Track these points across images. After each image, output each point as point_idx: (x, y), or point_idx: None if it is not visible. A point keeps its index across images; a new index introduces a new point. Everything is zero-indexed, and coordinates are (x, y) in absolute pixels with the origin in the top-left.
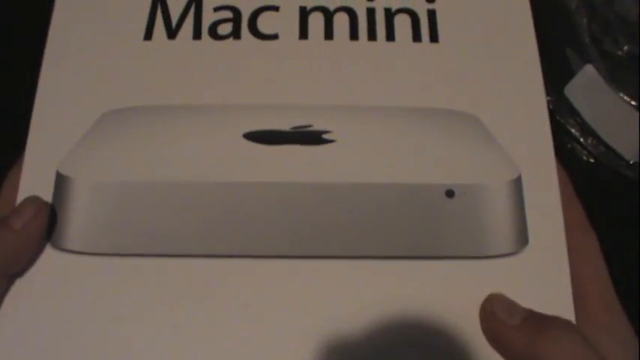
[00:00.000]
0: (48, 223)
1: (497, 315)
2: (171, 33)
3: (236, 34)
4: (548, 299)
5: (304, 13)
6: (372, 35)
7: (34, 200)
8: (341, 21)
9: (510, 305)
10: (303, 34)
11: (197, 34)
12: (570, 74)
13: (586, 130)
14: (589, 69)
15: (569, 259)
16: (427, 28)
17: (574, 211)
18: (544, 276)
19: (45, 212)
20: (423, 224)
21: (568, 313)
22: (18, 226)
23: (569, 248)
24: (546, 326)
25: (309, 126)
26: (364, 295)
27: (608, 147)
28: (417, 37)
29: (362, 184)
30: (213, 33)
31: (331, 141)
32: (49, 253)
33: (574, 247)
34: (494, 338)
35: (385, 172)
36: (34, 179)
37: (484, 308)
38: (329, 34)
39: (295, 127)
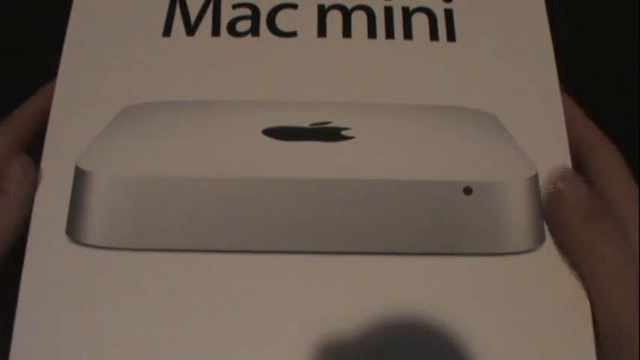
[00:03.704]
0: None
1: (558, 187)
2: (190, 29)
3: (255, 31)
4: (565, 296)
5: (322, 11)
6: (389, 34)
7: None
8: (359, 19)
9: (574, 182)
10: (322, 31)
11: (216, 31)
12: None
13: None
14: None
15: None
16: (444, 27)
17: (589, 129)
18: (560, 273)
19: (32, 169)
20: (441, 221)
21: (584, 309)
22: (5, 188)
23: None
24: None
25: (328, 122)
26: (381, 291)
27: None
28: (434, 35)
29: (380, 180)
30: (232, 30)
31: (350, 137)
32: (67, 246)
33: (599, 162)
34: (549, 209)
35: (403, 169)
36: (53, 174)
37: (551, 177)
38: (347, 32)
39: (314, 124)
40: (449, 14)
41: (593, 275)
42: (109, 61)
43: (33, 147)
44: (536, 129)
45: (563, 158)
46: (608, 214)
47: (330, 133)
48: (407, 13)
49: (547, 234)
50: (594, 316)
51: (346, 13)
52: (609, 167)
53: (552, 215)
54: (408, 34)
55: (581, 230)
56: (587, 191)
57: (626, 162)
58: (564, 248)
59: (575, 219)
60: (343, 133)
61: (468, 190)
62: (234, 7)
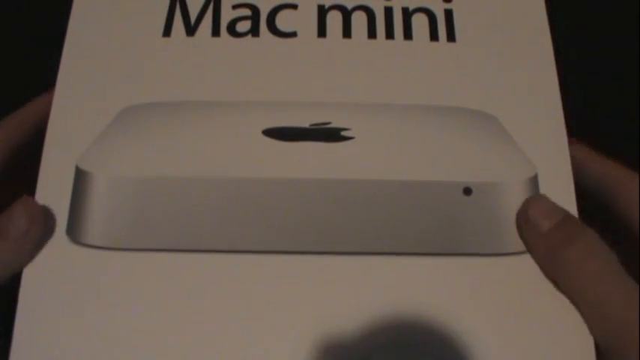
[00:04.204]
0: (44, 230)
1: (530, 217)
2: (190, 30)
3: (255, 31)
4: (565, 298)
5: (322, 12)
6: (389, 34)
7: (27, 209)
8: (359, 19)
9: (545, 210)
10: (322, 32)
11: (216, 32)
12: None
13: None
14: None
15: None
16: (444, 27)
17: (609, 165)
18: None
19: (40, 223)
20: (441, 221)
21: None
22: (11, 236)
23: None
24: (570, 239)
25: (328, 123)
26: (380, 291)
27: None
28: (434, 36)
29: (380, 180)
30: (232, 30)
31: (350, 138)
32: (67, 247)
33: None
34: (524, 240)
35: (403, 170)
36: (53, 174)
37: (521, 209)
38: (347, 33)
39: (314, 124)
40: (449, 14)
41: (582, 299)
42: (109, 62)
43: (27, 153)
44: (536, 129)
45: (562, 159)
46: (580, 234)
47: (330, 134)
48: (407, 14)
49: None
50: (590, 330)
51: (346, 14)
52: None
53: (522, 239)
54: (408, 35)
55: (554, 256)
56: (554, 216)
57: (627, 163)
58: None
59: (542, 247)
60: (343, 133)
61: (467, 191)
62: (234, 7)
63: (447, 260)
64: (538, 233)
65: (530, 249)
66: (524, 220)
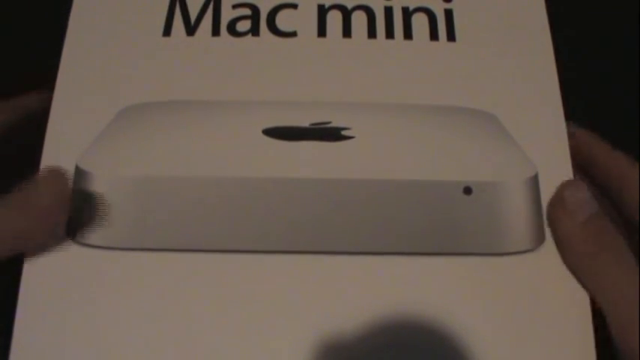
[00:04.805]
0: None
1: (566, 202)
2: (190, 29)
3: (255, 31)
4: (565, 298)
5: (322, 11)
6: (389, 33)
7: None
8: (359, 19)
9: (582, 199)
10: (322, 31)
11: (216, 31)
12: None
13: None
14: None
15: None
16: (444, 27)
17: (616, 159)
18: (560, 274)
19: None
20: (441, 221)
21: (584, 310)
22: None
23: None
24: (600, 241)
25: (329, 122)
26: (380, 291)
27: None
28: (434, 35)
29: (381, 180)
30: (232, 30)
31: (350, 137)
32: (67, 246)
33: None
34: (553, 225)
35: (403, 169)
36: None
37: (558, 191)
38: (347, 32)
39: (314, 124)
40: (449, 14)
41: (602, 296)
42: (109, 61)
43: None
44: (537, 129)
45: (563, 158)
46: (609, 230)
47: (330, 133)
48: (407, 13)
49: (547, 234)
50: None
51: (346, 13)
52: None
53: (552, 223)
54: (408, 34)
55: (582, 244)
56: (591, 201)
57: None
58: (566, 257)
59: (575, 230)
60: (343, 133)
61: (467, 190)
62: (234, 6)
63: (447, 260)
64: (574, 222)
65: (561, 235)
66: (560, 204)
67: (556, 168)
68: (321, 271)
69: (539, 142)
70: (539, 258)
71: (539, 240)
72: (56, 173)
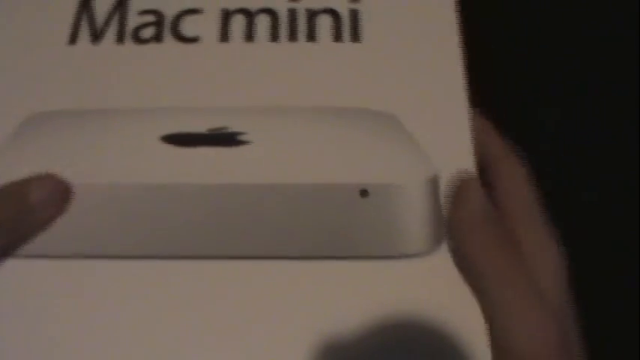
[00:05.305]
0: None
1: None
2: (96, 37)
3: (158, 37)
4: (462, 300)
5: (226, 16)
6: (292, 36)
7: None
8: (262, 23)
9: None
10: (224, 36)
11: (120, 38)
12: None
13: None
14: None
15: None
16: (349, 27)
17: (494, 144)
18: (458, 277)
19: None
20: (339, 224)
21: (477, 319)
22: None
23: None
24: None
25: (225, 128)
26: (277, 297)
27: None
28: (338, 37)
29: (276, 184)
30: (135, 37)
31: (246, 142)
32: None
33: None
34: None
35: (300, 173)
36: None
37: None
38: (250, 36)
39: (211, 129)
40: (354, 15)
41: (487, 294)
42: (13, 69)
43: None
44: (440, 131)
45: (465, 160)
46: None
47: (226, 139)
48: (311, 15)
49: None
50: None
51: (250, 17)
52: (510, 189)
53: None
54: (311, 36)
55: (475, 235)
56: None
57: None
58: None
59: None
60: (240, 137)
61: (364, 193)
62: (140, 13)
63: (350, 263)
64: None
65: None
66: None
67: (458, 167)
68: (218, 275)
69: (443, 144)
70: (436, 261)
71: (436, 243)
72: (53, 175)
